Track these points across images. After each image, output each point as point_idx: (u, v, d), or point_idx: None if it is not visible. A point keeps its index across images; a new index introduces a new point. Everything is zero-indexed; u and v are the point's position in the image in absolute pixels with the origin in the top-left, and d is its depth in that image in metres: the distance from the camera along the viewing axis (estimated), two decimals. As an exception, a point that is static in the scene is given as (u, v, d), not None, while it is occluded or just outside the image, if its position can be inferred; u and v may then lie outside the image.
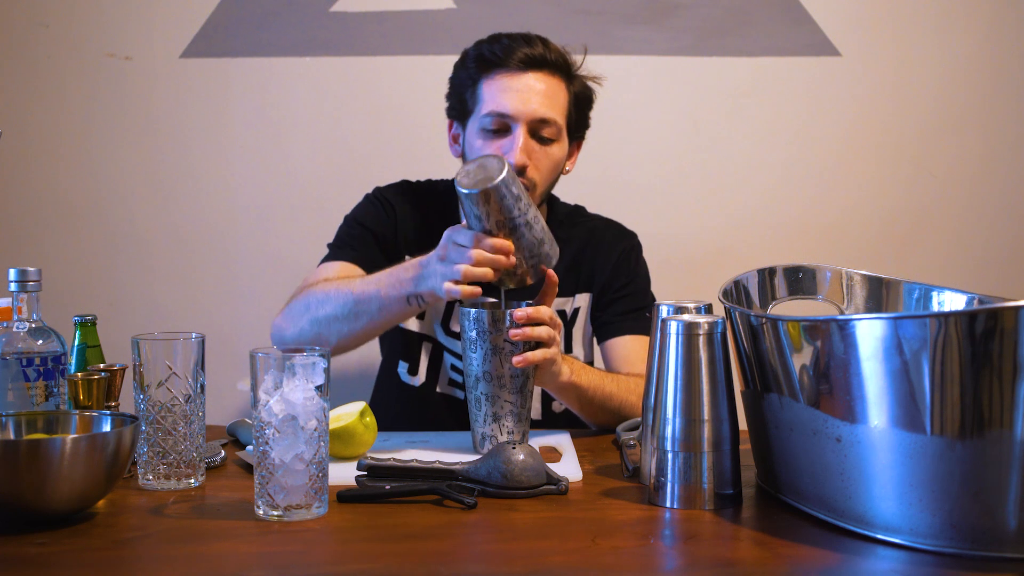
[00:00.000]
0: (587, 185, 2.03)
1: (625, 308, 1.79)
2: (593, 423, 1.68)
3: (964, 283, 1.51)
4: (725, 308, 1.29)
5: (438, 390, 1.79)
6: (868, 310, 1.45)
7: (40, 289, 1.37)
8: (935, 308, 1.39)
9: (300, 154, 2.23)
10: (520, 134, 1.64)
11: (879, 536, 1.07)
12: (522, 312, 1.42)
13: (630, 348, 1.77)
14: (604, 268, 1.83)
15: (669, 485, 1.20)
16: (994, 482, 1.00)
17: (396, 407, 1.83)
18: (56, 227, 2.22)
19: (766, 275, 1.47)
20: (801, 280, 1.48)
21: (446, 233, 1.47)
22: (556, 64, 1.69)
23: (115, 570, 1.04)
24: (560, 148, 1.71)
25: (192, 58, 2.20)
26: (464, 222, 1.49)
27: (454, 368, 1.79)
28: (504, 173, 1.41)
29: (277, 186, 2.23)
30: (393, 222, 1.77)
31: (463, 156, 1.75)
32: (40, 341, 1.35)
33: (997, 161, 2.30)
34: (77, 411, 1.28)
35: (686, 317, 1.22)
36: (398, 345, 1.82)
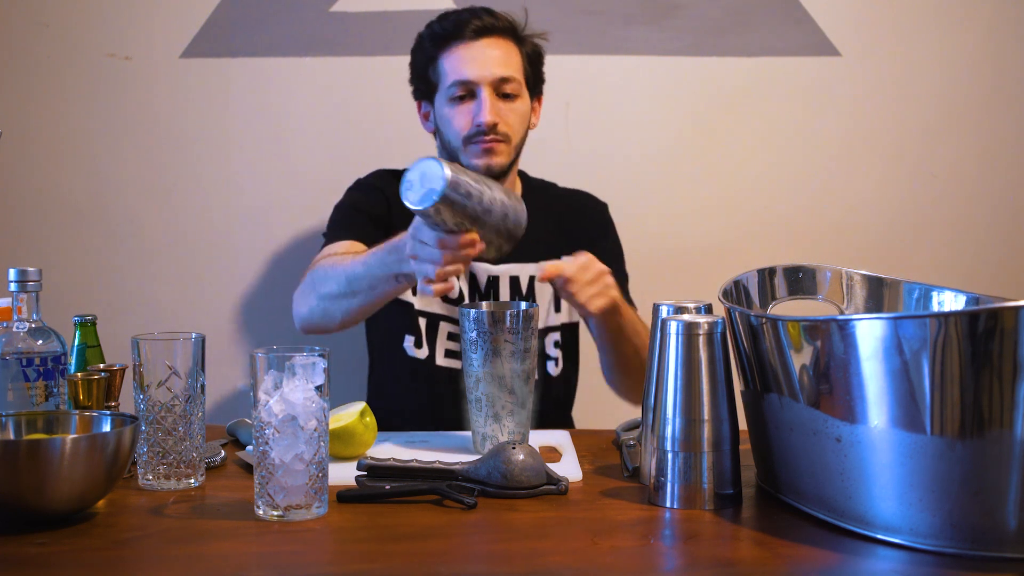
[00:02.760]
0: (587, 185, 2.02)
1: (619, 280, 1.78)
2: (615, 364, 1.77)
3: (964, 283, 1.51)
4: (725, 308, 1.29)
5: (438, 363, 1.82)
6: (868, 310, 1.45)
7: (40, 289, 1.37)
8: (935, 308, 1.39)
9: (300, 154, 2.23)
10: (486, 96, 1.77)
11: (879, 536, 1.07)
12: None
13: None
14: (591, 229, 1.92)
15: (669, 485, 1.20)
16: (994, 482, 1.00)
17: (401, 383, 1.85)
18: (56, 227, 2.22)
19: (766, 275, 1.47)
20: (801, 280, 1.48)
21: (411, 229, 1.45)
22: (505, 29, 1.82)
23: (115, 570, 1.05)
24: (523, 102, 1.83)
25: (192, 58, 2.20)
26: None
27: (451, 337, 1.82)
28: (445, 179, 1.32)
29: (277, 186, 2.23)
30: (385, 202, 1.82)
31: (436, 131, 1.85)
32: (40, 341, 1.35)
33: (997, 161, 2.30)
34: (77, 411, 1.28)
35: (686, 317, 1.22)
36: (402, 319, 1.83)
